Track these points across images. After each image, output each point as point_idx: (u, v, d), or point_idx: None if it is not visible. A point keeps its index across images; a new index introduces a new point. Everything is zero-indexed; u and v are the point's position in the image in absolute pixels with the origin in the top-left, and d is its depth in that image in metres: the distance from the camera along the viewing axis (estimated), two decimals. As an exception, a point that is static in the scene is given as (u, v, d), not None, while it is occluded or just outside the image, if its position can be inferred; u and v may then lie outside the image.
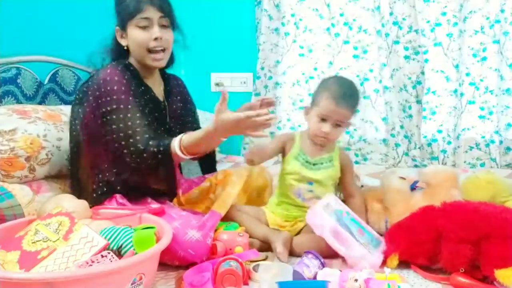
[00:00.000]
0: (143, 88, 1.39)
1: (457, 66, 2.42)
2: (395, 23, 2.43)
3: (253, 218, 1.38)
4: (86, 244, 0.97)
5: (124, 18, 1.35)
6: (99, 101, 1.29)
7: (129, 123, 1.27)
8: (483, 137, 2.44)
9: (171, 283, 1.09)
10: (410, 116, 2.49)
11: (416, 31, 2.41)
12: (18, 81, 1.67)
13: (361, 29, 2.54)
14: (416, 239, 1.14)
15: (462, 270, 1.04)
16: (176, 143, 1.25)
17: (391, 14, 2.42)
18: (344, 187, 1.45)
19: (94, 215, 1.18)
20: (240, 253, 1.16)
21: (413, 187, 1.44)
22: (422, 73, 2.44)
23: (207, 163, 1.60)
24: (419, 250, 1.13)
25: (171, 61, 1.50)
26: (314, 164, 1.39)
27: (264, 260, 1.23)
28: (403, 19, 2.41)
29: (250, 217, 1.37)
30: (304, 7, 2.61)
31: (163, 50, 1.37)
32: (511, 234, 1.04)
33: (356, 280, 0.96)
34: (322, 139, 1.36)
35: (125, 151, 1.27)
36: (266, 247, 1.28)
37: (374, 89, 2.57)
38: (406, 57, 2.44)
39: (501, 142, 2.40)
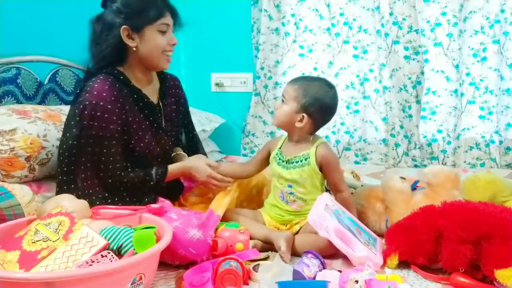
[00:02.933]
0: (135, 96, 1.41)
1: (457, 66, 2.42)
2: (395, 23, 2.43)
3: (252, 219, 1.38)
4: (86, 244, 0.97)
5: (142, 21, 1.35)
6: (84, 122, 1.30)
7: (107, 151, 1.31)
8: (483, 137, 2.44)
9: (171, 283, 1.09)
10: (410, 116, 2.49)
11: (416, 31, 2.41)
12: (18, 81, 1.67)
13: (361, 29, 2.54)
14: (416, 239, 1.14)
15: (462, 270, 1.04)
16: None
17: (391, 14, 2.43)
18: (329, 184, 1.41)
19: (94, 215, 1.18)
20: (240, 253, 1.16)
21: (414, 187, 1.44)
22: (422, 73, 2.44)
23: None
24: (419, 250, 1.13)
25: None
26: (288, 163, 1.37)
27: (265, 259, 1.22)
28: (403, 19, 2.41)
29: (249, 219, 1.37)
30: (304, 7, 2.61)
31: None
32: (511, 234, 1.04)
33: (356, 282, 0.96)
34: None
35: (101, 174, 1.32)
36: (268, 247, 1.28)
37: (374, 89, 2.57)
38: (406, 57, 2.44)
39: (501, 142, 2.40)
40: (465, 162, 2.45)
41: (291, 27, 2.65)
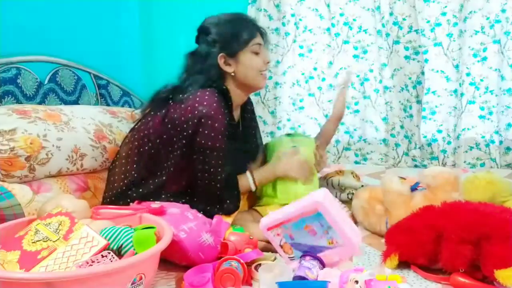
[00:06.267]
0: (230, 115, 1.43)
1: (457, 66, 2.42)
2: (395, 23, 2.43)
3: (251, 221, 1.39)
4: (86, 244, 0.97)
5: (237, 46, 1.39)
6: (197, 132, 1.28)
7: (220, 163, 1.30)
8: (483, 137, 2.44)
9: (172, 283, 1.09)
10: (411, 116, 2.50)
11: (416, 31, 2.41)
12: (18, 81, 1.67)
13: (361, 29, 2.54)
14: (416, 239, 1.14)
15: (462, 270, 1.04)
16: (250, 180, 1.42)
17: (391, 14, 2.43)
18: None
19: (94, 215, 1.17)
20: (242, 254, 1.15)
21: (414, 188, 1.44)
22: (422, 73, 2.44)
23: None
24: (419, 250, 1.13)
25: None
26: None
27: (273, 260, 1.22)
28: (403, 19, 2.41)
29: (250, 221, 1.38)
30: (304, 7, 2.61)
31: None
32: (511, 234, 1.04)
33: (356, 282, 0.96)
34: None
35: (206, 184, 1.32)
36: (270, 247, 1.27)
37: (374, 89, 2.57)
38: (406, 57, 2.44)
39: (501, 142, 2.40)
40: (465, 162, 2.46)
41: (291, 27, 2.65)
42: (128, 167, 1.39)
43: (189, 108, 1.29)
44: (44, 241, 1.00)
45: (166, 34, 2.75)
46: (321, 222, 1.08)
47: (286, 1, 2.63)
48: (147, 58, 2.74)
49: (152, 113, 1.39)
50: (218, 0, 2.66)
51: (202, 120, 1.27)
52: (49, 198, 1.27)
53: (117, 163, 1.43)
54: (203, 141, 1.28)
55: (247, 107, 1.60)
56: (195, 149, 1.29)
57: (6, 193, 1.26)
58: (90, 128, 1.57)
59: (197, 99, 1.29)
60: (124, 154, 1.42)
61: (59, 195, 1.27)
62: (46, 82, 1.84)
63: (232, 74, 1.40)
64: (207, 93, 1.30)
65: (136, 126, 1.45)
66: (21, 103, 1.65)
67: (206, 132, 1.27)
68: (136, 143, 1.39)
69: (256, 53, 1.42)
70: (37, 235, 1.02)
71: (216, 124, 1.28)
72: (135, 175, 1.37)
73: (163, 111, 1.35)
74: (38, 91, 1.77)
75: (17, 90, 1.65)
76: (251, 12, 2.64)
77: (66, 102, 1.90)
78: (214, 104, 1.28)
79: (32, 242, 1.00)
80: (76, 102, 1.96)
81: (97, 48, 2.24)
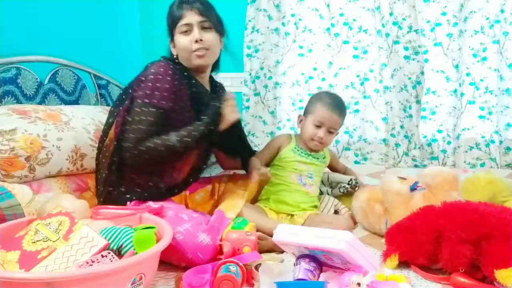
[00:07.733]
0: (193, 81, 1.43)
1: (457, 66, 2.43)
2: (395, 23, 2.43)
3: (257, 213, 1.39)
4: (86, 244, 0.97)
5: (171, 28, 1.45)
6: (138, 88, 1.33)
7: (143, 121, 1.30)
8: (483, 137, 2.44)
9: (171, 283, 1.09)
10: (410, 116, 2.50)
11: (416, 31, 2.41)
12: (18, 81, 1.67)
13: (361, 29, 2.54)
14: (416, 239, 1.14)
15: (462, 270, 1.04)
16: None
17: (391, 14, 2.43)
18: (338, 169, 1.77)
19: (94, 215, 1.17)
20: (240, 256, 1.14)
21: (414, 188, 1.44)
22: (422, 73, 2.44)
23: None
24: (419, 250, 1.13)
25: (216, 65, 1.55)
26: (312, 157, 1.59)
27: (281, 262, 1.20)
28: (403, 19, 2.41)
29: (257, 213, 1.38)
30: (304, 7, 2.61)
31: (207, 49, 1.42)
32: (511, 234, 1.04)
33: (358, 284, 0.95)
34: (317, 143, 1.56)
35: (124, 144, 1.31)
36: (276, 248, 1.26)
37: (374, 89, 2.57)
38: (406, 57, 2.44)
39: (501, 142, 2.40)
40: (465, 162, 2.46)
41: (291, 27, 2.65)
42: (105, 170, 1.39)
43: (140, 77, 1.36)
44: (44, 241, 1.00)
45: (166, 34, 2.74)
46: (341, 258, 1.03)
47: (286, 1, 2.63)
48: (147, 58, 2.73)
49: (118, 108, 1.42)
50: (218, 0, 2.66)
51: (144, 78, 1.33)
52: (49, 198, 1.27)
53: (99, 167, 1.43)
54: (139, 97, 1.31)
55: (217, 90, 1.57)
56: (133, 104, 1.32)
57: (6, 193, 1.26)
58: (90, 128, 1.57)
59: (147, 68, 1.37)
60: (98, 158, 1.43)
61: (59, 195, 1.27)
62: (46, 82, 1.84)
63: (175, 56, 1.45)
64: (160, 62, 1.38)
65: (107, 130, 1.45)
66: (21, 103, 1.65)
67: (146, 88, 1.31)
68: (105, 141, 1.41)
69: (185, 32, 1.40)
70: (37, 235, 1.02)
71: (158, 84, 1.32)
72: (112, 175, 1.37)
73: (126, 102, 1.39)
74: (38, 91, 1.77)
75: (17, 90, 1.65)
76: (250, 12, 2.64)
77: (66, 102, 1.90)
78: (161, 68, 1.34)
79: (32, 242, 1.00)
80: (76, 102, 1.96)
81: (97, 48, 2.24)
